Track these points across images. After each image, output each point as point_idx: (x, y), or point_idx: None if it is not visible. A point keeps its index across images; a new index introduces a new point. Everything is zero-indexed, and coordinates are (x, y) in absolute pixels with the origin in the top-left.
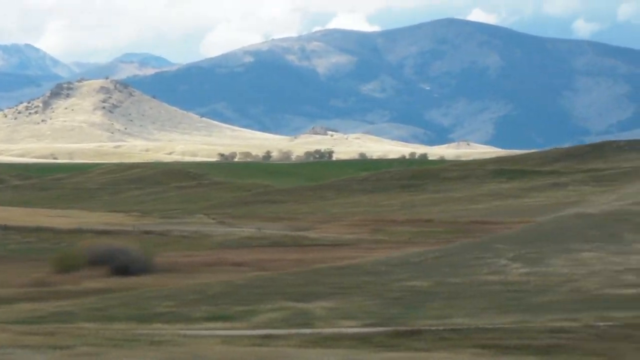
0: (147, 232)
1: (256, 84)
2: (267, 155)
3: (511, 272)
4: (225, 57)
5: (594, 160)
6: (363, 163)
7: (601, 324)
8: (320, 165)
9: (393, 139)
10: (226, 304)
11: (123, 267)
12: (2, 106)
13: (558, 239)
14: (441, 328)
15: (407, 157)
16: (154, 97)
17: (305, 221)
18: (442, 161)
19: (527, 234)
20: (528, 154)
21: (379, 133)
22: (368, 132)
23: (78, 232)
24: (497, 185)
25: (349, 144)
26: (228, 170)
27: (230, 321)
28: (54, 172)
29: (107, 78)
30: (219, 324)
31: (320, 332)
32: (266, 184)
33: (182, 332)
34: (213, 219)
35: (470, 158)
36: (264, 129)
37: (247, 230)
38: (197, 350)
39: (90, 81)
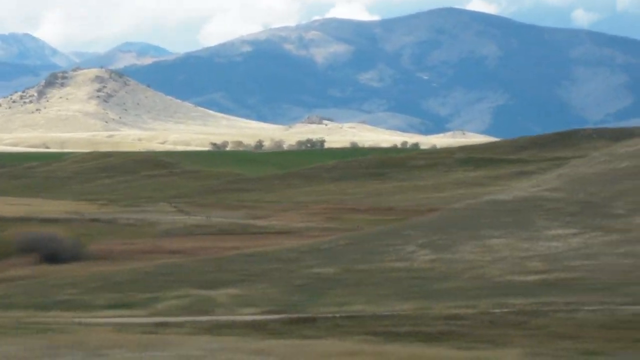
0: (94, 220)
1: (254, 73)
2: (259, 145)
3: (418, 258)
4: (223, 46)
5: (561, 148)
6: (342, 152)
7: (497, 310)
8: (295, 155)
9: (390, 128)
10: (131, 291)
11: (52, 254)
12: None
13: (469, 225)
14: (337, 315)
15: (399, 146)
16: (148, 86)
17: (267, 209)
18: (412, 149)
19: (439, 220)
20: (497, 142)
21: (377, 122)
22: (364, 122)
23: (23, 220)
24: (463, 173)
25: (344, 133)
26: (203, 158)
27: (132, 308)
28: (28, 160)
29: (102, 67)
30: (119, 312)
31: (217, 319)
32: (237, 173)
33: (78, 319)
34: (174, 207)
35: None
36: (261, 118)
37: (195, 218)
38: (83, 338)
39: (85, 70)
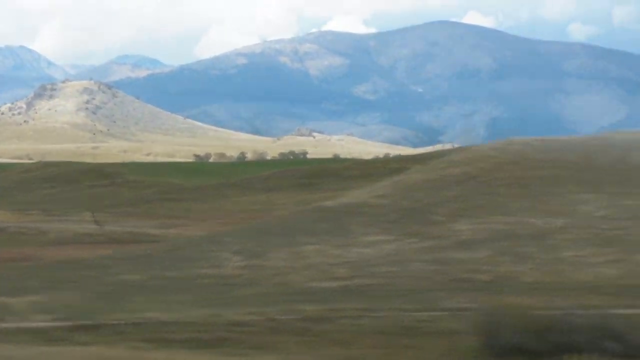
0: None
1: (248, 85)
2: (242, 156)
3: (229, 265)
4: (218, 59)
5: None
6: (287, 163)
7: (283, 317)
8: (245, 165)
9: (384, 141)
10: None
11: None
12: None
13: (288, 232)
14: (122, 322)
15: (382, 157)
16: (138, 98)
17: (186, 219)
18: (345, 160)
19: (260, 227)
20: (433, 151)
21: (370, 135)
22: (357, 134)
23: None
24: None
25: (331, 146)
26: (149, 169)
27: None
28: None
29: (91, 79)
30: None
31: (5, 327)
32: (176, 183)
33: None
34: (93, 217)
35: None
36: (254, 130)
37: (91, 227)
38: None
39: (74, 82)
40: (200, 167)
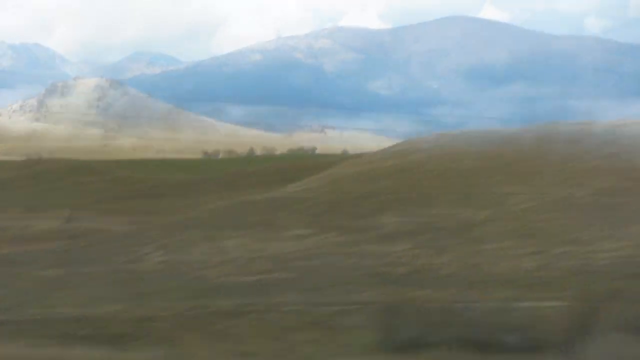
0: None
1: (263, 82)
2: (251, 152)
3: (149, 260)
4: (232, 55)
5: None
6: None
7: (190, 312)
8: (241, 160)
9: (397, 136)
10: None
11: None
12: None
13: (213, 226)
14: (29, 318)
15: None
16: (150, 95)
17: (156, 215)
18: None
19: (187, 221)
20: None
21: (384, 130)
22: (372, 130)
23: None
24: None
25: (344, 141)
26: (141, 166)
27: None
28: None
29: (102, 77)
30: None
31: None
32: (162, 178)
33: None
34: (68, 214)
35: None
36: (268, 127)
37: (53, 225)
38: None
39: (85, 80)
40: (194, 165)
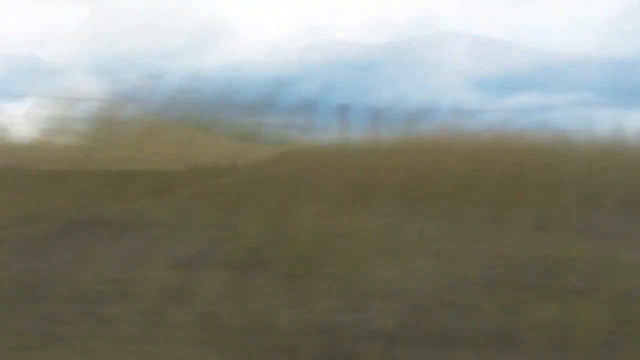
0: None
1: (254, 96)
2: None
3: (14, 266)
4: (224, 68)
5: None
6: None
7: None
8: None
9: None
10: None
11: None
12: None
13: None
14: None
15: None
16: (141, 109)
17: None
18: None
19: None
20: None
21: None
22: None
23: None
24: None
25: None
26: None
27: None
28: None
29: (98, 89)
30: None
31: None
32: None
33: None
34: None
35: None
36: (256, 141)
37: None
38: None
39: (78, 91)
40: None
